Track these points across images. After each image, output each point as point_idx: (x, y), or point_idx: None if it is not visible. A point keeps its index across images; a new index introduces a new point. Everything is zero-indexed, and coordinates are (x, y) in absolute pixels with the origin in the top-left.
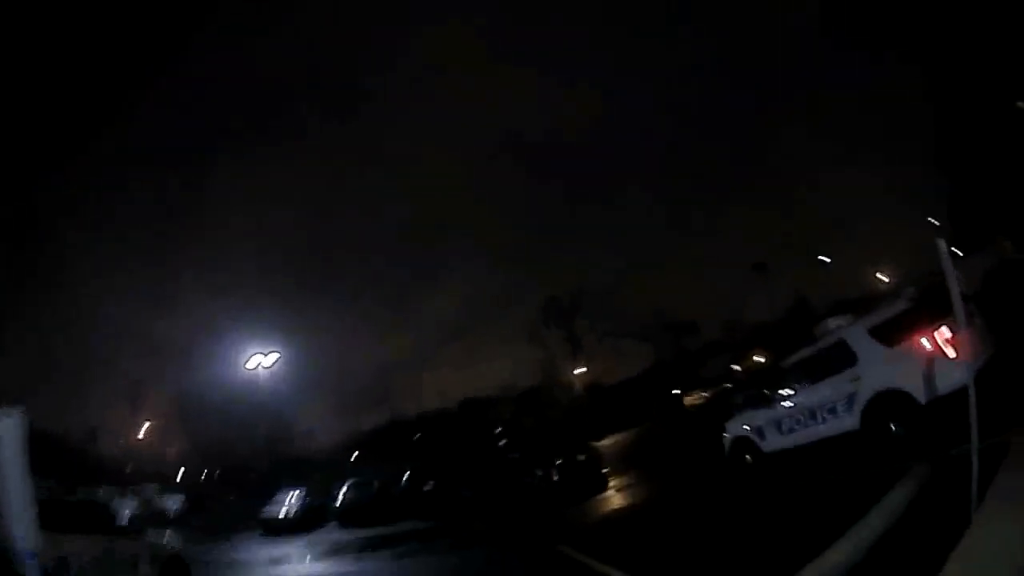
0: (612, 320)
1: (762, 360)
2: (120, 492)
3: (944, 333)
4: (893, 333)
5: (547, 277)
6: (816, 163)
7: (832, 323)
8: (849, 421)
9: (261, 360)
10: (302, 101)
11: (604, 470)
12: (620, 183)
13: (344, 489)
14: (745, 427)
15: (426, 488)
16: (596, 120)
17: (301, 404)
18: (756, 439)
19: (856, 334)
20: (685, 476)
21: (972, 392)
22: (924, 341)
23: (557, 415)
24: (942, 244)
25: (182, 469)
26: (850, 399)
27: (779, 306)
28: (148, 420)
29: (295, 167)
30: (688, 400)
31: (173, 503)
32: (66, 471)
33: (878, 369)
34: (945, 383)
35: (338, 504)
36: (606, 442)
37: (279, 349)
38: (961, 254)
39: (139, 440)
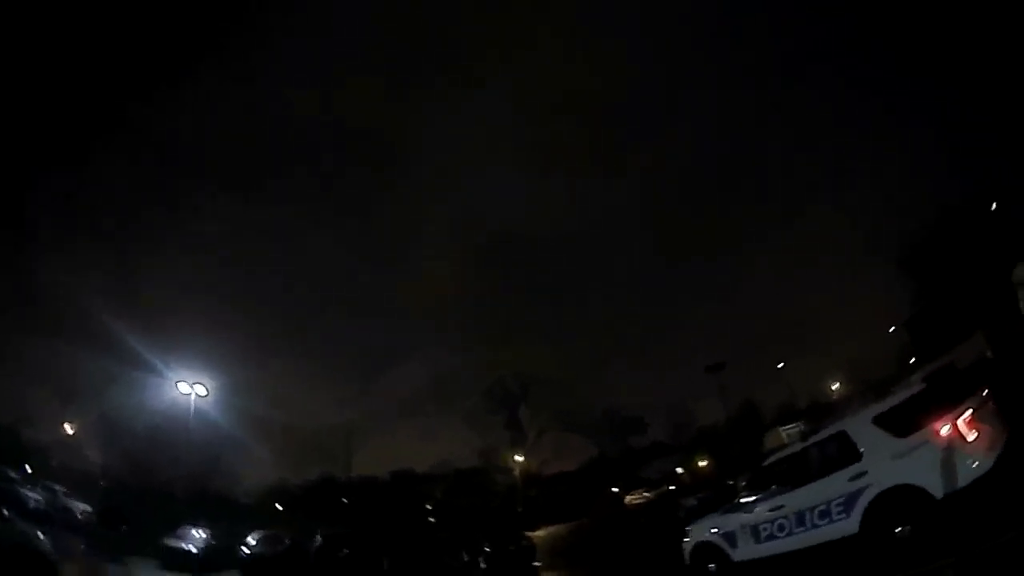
0: (558, 412)
1: (704, 464)
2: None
3: (966, 417)
4: (904, 421)
5: (502, 363)
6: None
7: (783, 432)
8: (846, 525)
9: (193, 389)
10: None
11: (537, 564)
12: (586, 279)
13: (254, 539)
14: (712, 531)
15: (341, 554)
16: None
17: (237, 445)
18: (725, 546)
19: (859, 425)
20: None
21: None
22: (943, 428)
23: (491, 501)
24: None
25: (100, 482)
26: (849, 499)
27: (730, 410)
28: (73, 423)
29: (285, 212)
30: (628, 499)
31: (80, 507)
32: None
33: (886, 463)
34: (965, 473)
35: (245, 553)
36: (540, 533)
37: (205, 383)
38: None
39: (66, 438)
